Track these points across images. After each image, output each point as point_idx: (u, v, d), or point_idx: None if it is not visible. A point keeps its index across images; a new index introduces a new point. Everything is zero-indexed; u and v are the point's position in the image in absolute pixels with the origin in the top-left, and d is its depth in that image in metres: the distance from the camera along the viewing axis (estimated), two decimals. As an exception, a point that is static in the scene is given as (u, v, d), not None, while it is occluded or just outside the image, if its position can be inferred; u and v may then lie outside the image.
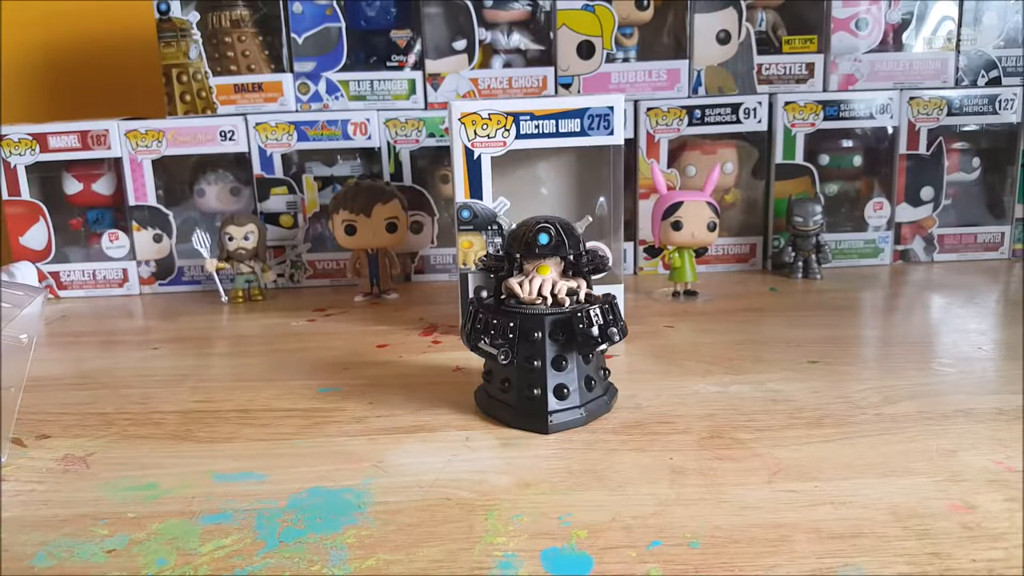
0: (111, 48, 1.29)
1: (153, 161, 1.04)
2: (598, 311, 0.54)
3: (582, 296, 0.56)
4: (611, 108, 0.73)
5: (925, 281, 0.98)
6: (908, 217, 1.08)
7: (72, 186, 1.06)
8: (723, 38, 1.05)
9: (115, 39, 1.29)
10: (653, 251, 0.97)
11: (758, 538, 0.40)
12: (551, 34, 1.04)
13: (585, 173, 0.82)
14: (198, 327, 0.88)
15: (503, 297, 0.57)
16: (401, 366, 0.71)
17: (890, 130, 1.06)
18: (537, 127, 0.73)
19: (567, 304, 0.55)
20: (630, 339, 0.76)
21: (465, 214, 0.75)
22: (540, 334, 0.53)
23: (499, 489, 0.46)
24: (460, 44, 1.05)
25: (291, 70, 1.05)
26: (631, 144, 1.05)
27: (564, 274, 0.57)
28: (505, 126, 0.73)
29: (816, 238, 1.00)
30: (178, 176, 1.09)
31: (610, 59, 1.05)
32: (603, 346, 0.54)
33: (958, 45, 1.06)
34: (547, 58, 1.05)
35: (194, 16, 1.03)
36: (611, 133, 0.73)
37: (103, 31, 1.29)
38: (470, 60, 1.04)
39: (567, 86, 1.05)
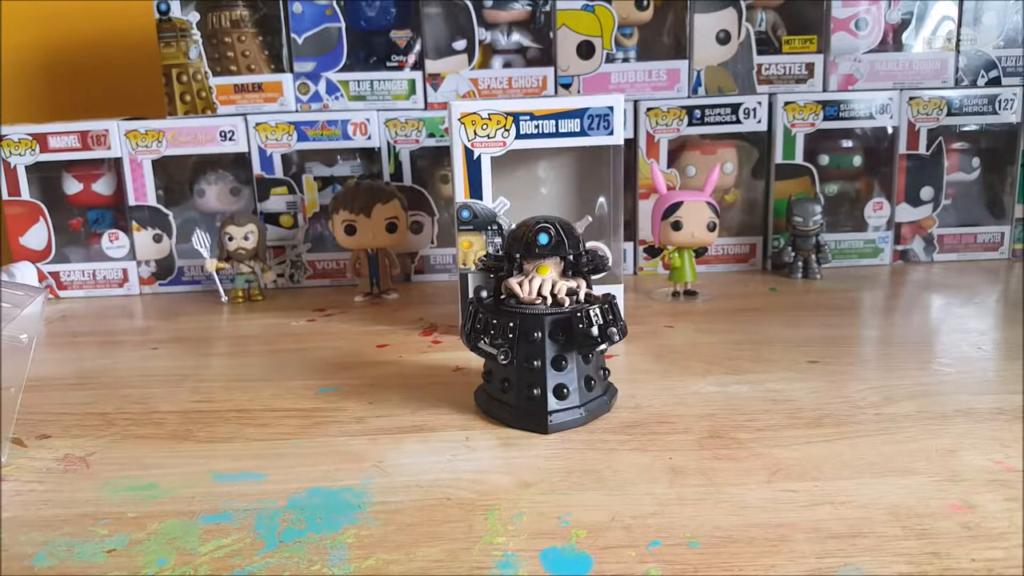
0: (111, 48, 1.29)
1: (153, 161, 1.04)
2: (598, 311, 0.54)
3: (582, 296, 0.56)
4: (611, 108, 0.73)
5: (925, 281, 0.98)
6: (908, 217, 1.08)
7: (72, 186, 1.06)
8: (723, 38, 1.05)
9: (115, 39, 1.29)
10: (653, 251, 0.97)
11: (758, 538, 0.40)
12: (551, 34, 1.04)
13: (585, 173, 0.82)
14: (198, 327, 0.88)
15: (503, 297, 0.57)
16: (401, 366, 0.71)
17: (890, 130, 1.06)
18: (537, 127, 0.73)
19: (567, 304, 0.55)
20: (630, 339, 0.76)
21: (465, 214, 0.75)
22: (540, 334, 0.53)
23: (499, 489, 0.46)
24: (460, 44, 1.05)
25: (291, 70, 1.05)
26: (631, 144, 1.05)
27: (564, 274, 0.57)
28: (505, 126, 0.73)
29: (816, 238, 1.00)
30: (178, 176, 1.09)
31: (610, 59, 1.05)
32: (603, 346, 0.54)
33: (958, 45, 1.06)
34: (547, 58, 1.05)
35: (194, 16, 1.03)
36: (611, 133, 0.73)
37: (103, 31, 1.29)
38: (470, 60, 1.04)
39: (567, 86, 1.05)
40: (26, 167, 1.03)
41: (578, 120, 0.73)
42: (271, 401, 0.63)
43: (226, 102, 1.06)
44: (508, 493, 0.46)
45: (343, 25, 1.03)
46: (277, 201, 1.05)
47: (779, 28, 1.07)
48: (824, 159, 1.07)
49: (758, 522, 0.41)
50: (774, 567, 0.37)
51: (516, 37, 1.05)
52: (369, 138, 1.04)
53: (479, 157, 0.74)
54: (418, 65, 1.05)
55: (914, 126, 1.05)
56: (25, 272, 1.03)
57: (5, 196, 1.04)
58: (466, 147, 0.73)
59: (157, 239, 1.06)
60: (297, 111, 1.05)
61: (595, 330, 0.53)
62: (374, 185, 0.96)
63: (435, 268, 1.09)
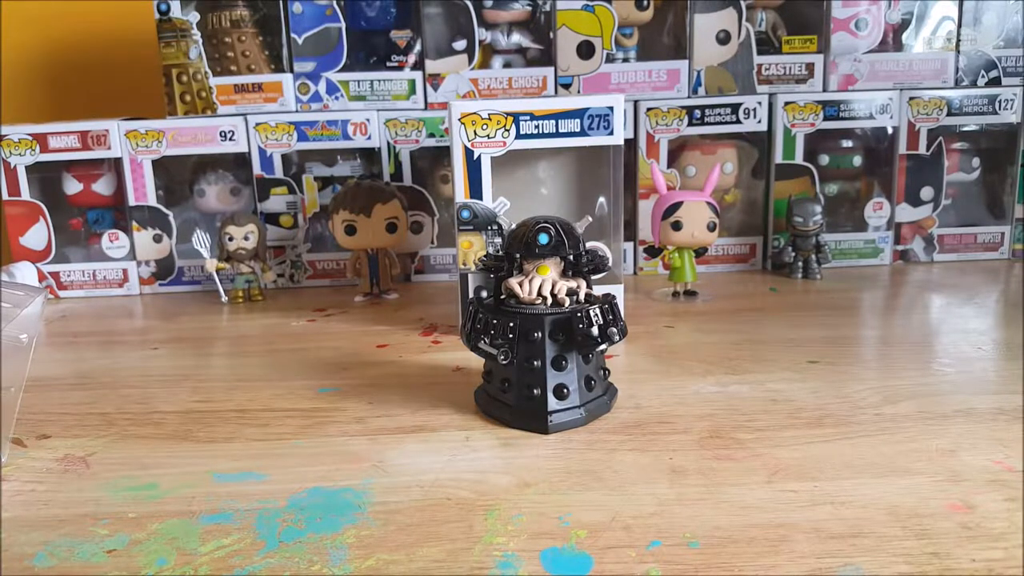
0: (111, 48, 1.29)
1: (153, 161, 1.04)
2: (598, 311, 0.54)
3: (582, 296, 0.56)
4: (611, 108, 0.73)
5: (925, 281, 0.98)
6: (908, 217, 1.08)
7: (72, 186, 1.06)
8: (723, 38, 1.05)
9: (115, 39, 1.29)
10: (653, 251, 0.97)
11: (758, 538, 0.40)
12: (551, 34, 1.04)
13: (585, 173, 0.82)
14: (198, 327, 0.88)
15: (503, 297, 0.57)
16: (401, 366, 0.71)
17: (890, 130, 1.06)
18: (537, 127, 0.73)
19: (567, 304, 0.55)
20: (630, 339, 0.76)
21: (465, 214, 0.75)
22: (540, 334, 0.53)
23: (499, 489, 0.46)
24: (460, 44, 1.05)
25: (291, 70, 1.05)
26: (631, 144, 1.05)
27: (564, 274, 0.57)
28: (505, 126, 0.73)
29: (816, 238, 1.00)
30: (178, 176, 1.09)
31: (610, 59, 1.05)
32: (603, 346, 0.54)
33: (958, 45, 1.06)
34: (547, 58, 1.05)
35: (194, 16, 1.03)
36: (611, 133, 0.73)
37: (103, 31, 1.29)
38: (470, 60, 1.04)
39: (567, 86, 1.05)
40: (26, 167, 1.03)
41: (578, 120, 0.73)
42: (271, 401, 0.63)
43: (226, 102, 1.06)
44: (508, 493, 0.46)
45: (343, 25, 1.03)
46: (277, 201, 1.05)
47: (779, 28, 1.07)
48: (824, 159, 1.07)
49: (758, 522, 0.41)
50: (774, 567, 0.37)
51: (516, 37, 1.05)
52: (369, 138, 1.04)
53: (479, 157, 0.74)
54: (418, 65, 1.05)
55: (914, 126, 1.05)
56: (25, 272, 1.03)
57: (5, 196, 1.04)
58: (466, 147, 0.73)
59: (157, 239, 1.06)
60: (297, 111, 1.05)
61: (595, 330, 0.53)
62: (374, 185, 0.96)
63: (435, 268, 1.09)
